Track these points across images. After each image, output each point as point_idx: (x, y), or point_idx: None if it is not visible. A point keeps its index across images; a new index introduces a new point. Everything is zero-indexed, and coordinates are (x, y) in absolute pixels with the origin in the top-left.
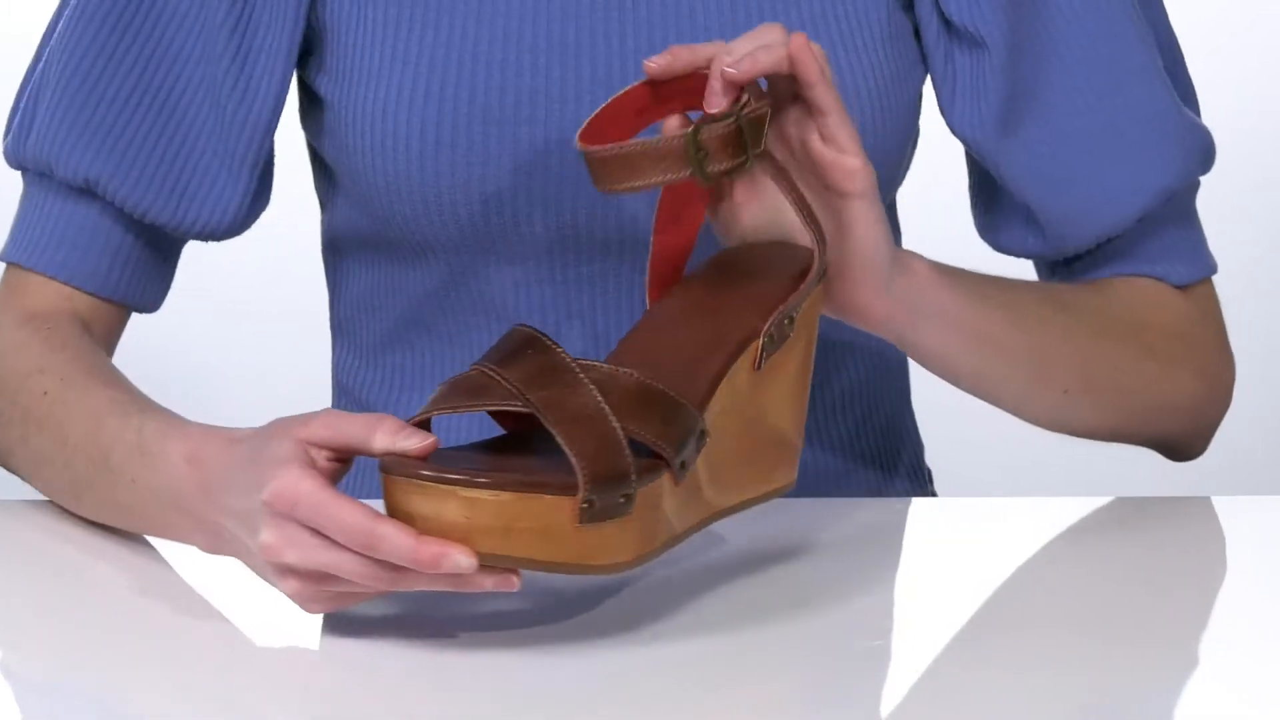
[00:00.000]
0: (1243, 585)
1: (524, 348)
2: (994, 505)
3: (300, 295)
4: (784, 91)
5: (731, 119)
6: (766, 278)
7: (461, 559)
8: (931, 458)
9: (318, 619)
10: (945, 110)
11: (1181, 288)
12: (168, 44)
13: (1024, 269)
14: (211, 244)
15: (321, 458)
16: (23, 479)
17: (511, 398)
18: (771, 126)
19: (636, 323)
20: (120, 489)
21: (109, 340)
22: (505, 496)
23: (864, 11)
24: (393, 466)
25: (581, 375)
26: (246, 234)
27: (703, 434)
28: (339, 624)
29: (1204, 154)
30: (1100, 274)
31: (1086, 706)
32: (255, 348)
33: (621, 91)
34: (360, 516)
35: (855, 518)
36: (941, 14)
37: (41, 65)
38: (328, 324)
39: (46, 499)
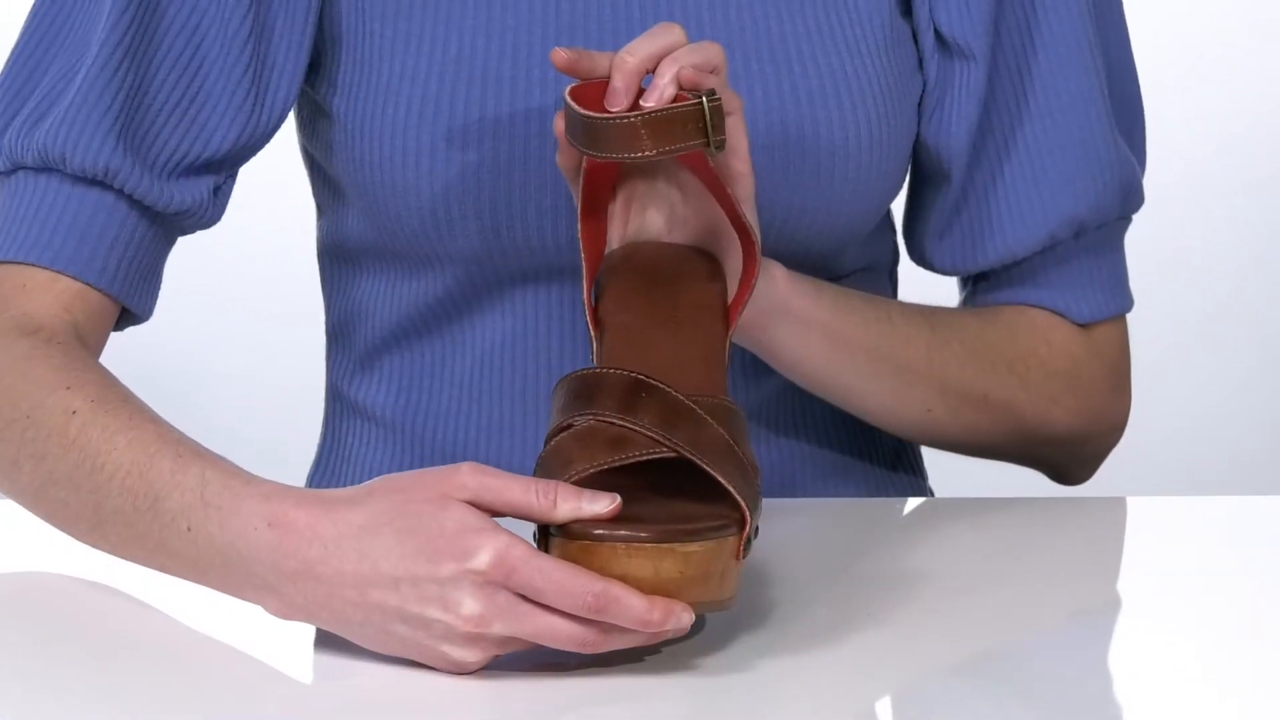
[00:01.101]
0: (1243, 585)
1: (637, 391)
2: (993, 505)
3: (295, 297)
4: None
5: (714, 96)
6: (695, 279)
7: (685, 615)
8: (931, 458)
9: (309, 631)
10: (924, 117)
11: (1084, 324)
12: (176, 53)
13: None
14: (211, 243)
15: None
16: (14, 499)
17: (655, 445)
18: None
19: (600, 341)
20: (170, 534)
21: (97, 352)
22: (709, 545)
23: (867, 18)
24: (587, 533)
25: (702, 412)
26: (242, 236)
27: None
28: (334, 639)
29: (1124, 191)
30: (1001, 296)
31: (1086, 705)
32: (249, 349)
33: (571, 87)
34: (590, 581)
35: (854, 517)
36: (935, 25)
37: (50, 72)
38: (321, 326)
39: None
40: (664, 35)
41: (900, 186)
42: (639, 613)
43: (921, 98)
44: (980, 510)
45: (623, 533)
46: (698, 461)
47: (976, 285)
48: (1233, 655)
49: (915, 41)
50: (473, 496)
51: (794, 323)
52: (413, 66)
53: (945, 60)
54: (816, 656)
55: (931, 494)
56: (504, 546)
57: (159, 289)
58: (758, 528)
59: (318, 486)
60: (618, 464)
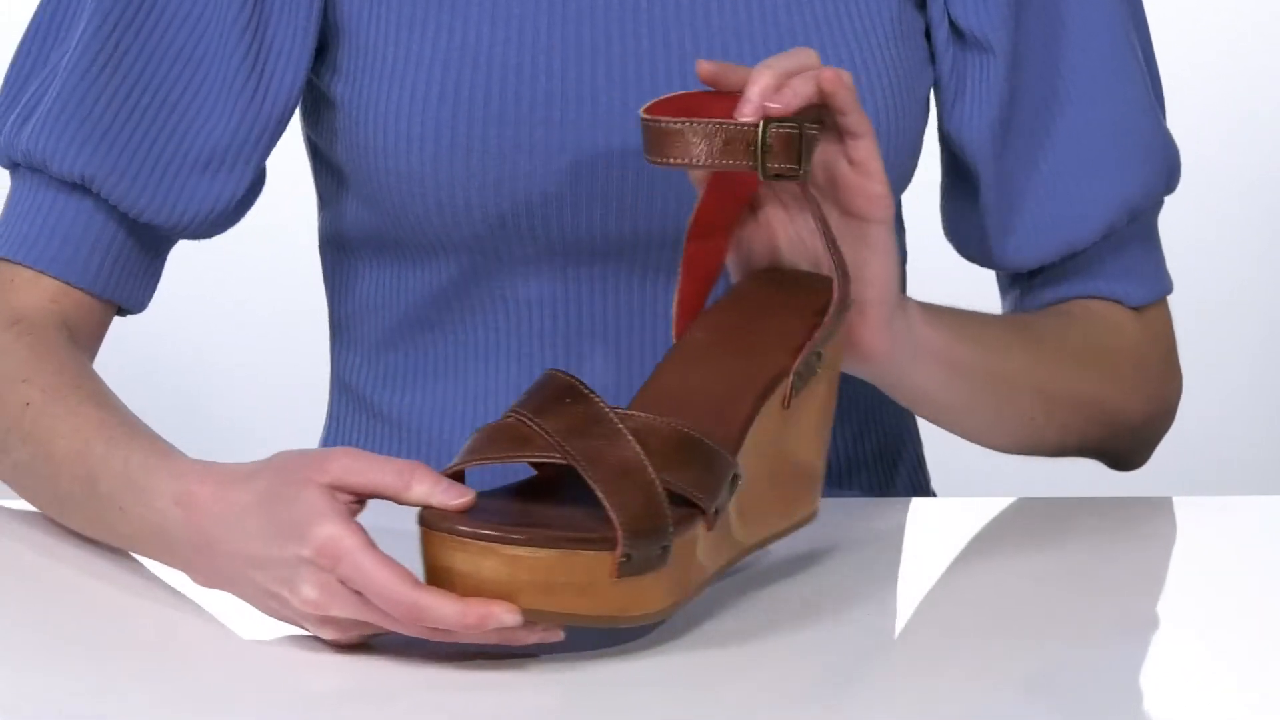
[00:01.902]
0: (1244, 585)
1: (561, 396)
2: (994, 505)
3: (295, 292)
4: (809, 118)
5: (794, 125)
6: (791, 312)
7: (506, 616)
8: (931, 458)
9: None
10: (944, 112)
11: (1137, 309)
12: (169, 43)
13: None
14: (208, 241)
15: (343, 499)
16: (8, 485)
17: (551, 449)
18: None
19: (664, 356)
20: (110, 515)
21: (92, 343)
22: (545, 554)
23: (875, 10)
24: (432, 520)
25: (620, 426)
26: (243, 232)
27: (736, 478)
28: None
29: (1170, 171)
30: (1060, 291)
31: (1087, 705)
32: (248, 345)
33: (681, 92)
34: (403, 589)
35: (856, 518)
36: (951, 17)
37: (47, 67)
38: (323, 321)
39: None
40: (801, 56)
41: (908, 180)
42: (452, 619)
43: (939, 92)
44: (982, 511)
45: (451, 525)
46: (581, 471)
47: (1031, 281)
48: (1233, 655)
49: (928, 34)
50: (334, 479)
51: (926, 359)
52: (417, 52)
53: (961, 53)
54: (817, 656)
55: (933, 494)
56: (334, 535)
57: (156, 283)
58: (664, 549)
59: None
60: (501, 460)
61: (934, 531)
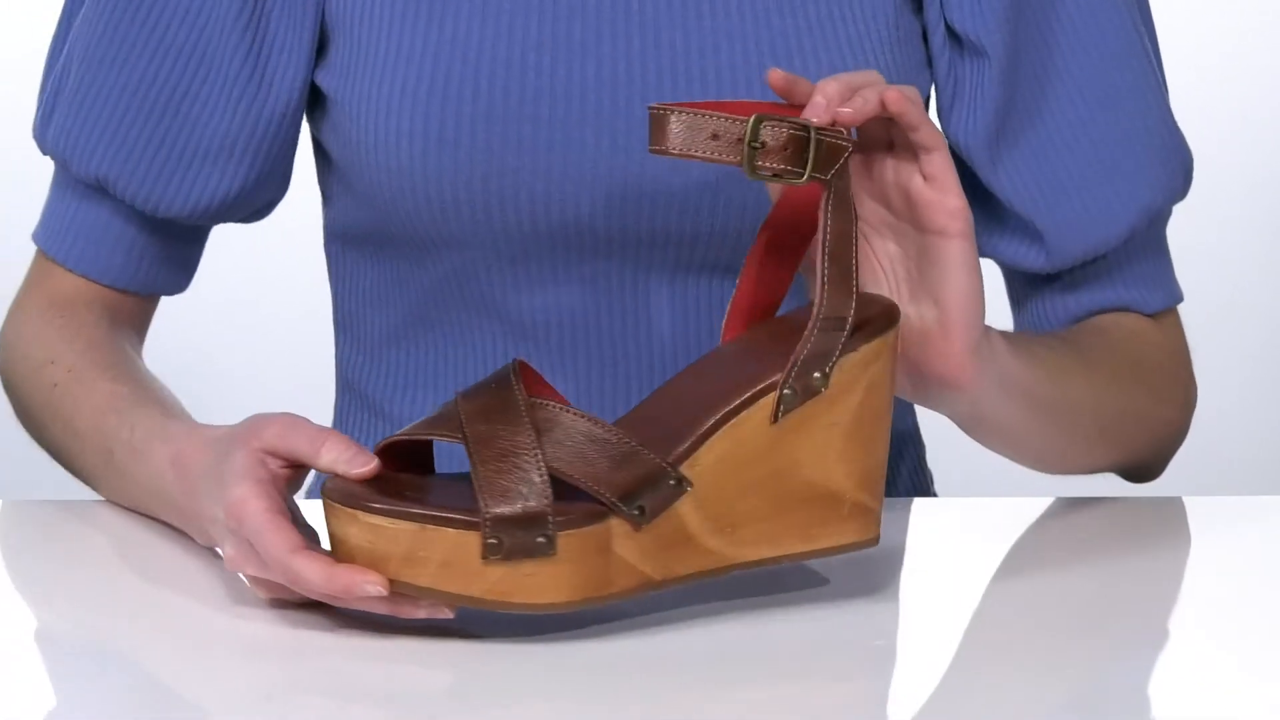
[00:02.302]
0: (1244, 585)
1: (494, 382)
2: (996, 506)
3: (301, 293)
4: (879, 138)
5: (801, 127)
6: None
7: (370, 587)
8: (933, 458)
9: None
10: (943, 115)
11: (1153, 316)
12: (172, 38)
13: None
14: (217, 236)
15: (275, 464)
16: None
17: (456, 430)
18: (869, 175)
19: (687, 366)
20: (126, 484)
21: (138, 323)
22: (404, 525)
23: (871, 14)
24: (327, 488)
25: (524, 414)
26: (245, 233)
27: (679, 482)
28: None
29: (1185, 173)
30: (1081, 298)
31: (1087, 705)
32: (255, 342)
33: (729, 100)
34: (280, 550)
35: None
36: (947, 21)
37: (63, 57)
38: (327, 318)
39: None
40: (867, 74)
41: None
42: (318, 584)
43: (937, 97)
44: (982, 511)
45: (328, 491)
46: (468, 452)
47: (1049, 287)
48: (1233, 655)
49: (925, 39)
50: (265, 444)
51: (1011, 390)
52: (408, 46)
53: (958, 57)
54: (818, 656)
55: (934, 494)
56: (241, 496)
57: (194, 266)
58: (546, 538)
59: None
60: (414, 436)
61: (935, 532)
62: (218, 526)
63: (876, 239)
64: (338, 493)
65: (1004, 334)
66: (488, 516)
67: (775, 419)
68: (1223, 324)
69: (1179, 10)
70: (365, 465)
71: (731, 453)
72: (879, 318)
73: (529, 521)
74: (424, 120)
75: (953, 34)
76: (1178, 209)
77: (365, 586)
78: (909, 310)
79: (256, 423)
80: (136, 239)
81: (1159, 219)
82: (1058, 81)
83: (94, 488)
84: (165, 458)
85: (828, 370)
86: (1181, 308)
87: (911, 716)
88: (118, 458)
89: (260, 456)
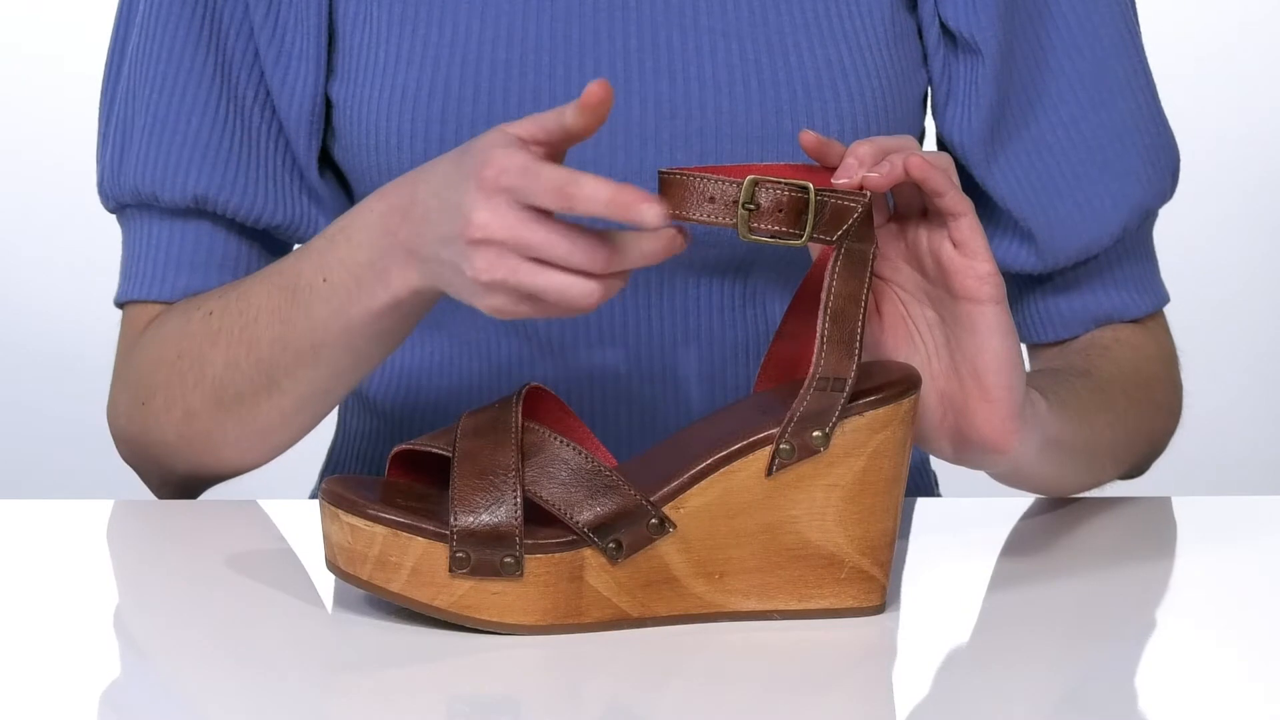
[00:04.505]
0: (1243, 585)
1: (499, 402)
2: (997, 505)
3: None
4: (911, 205)
5: (801, 189)
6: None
7: (649, 209)
8: (936, 459)
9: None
10: (938, 113)
11: (1143, 322)
12: (231, 50)
13: None
14: None
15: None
16: (171, 447)
17: (453, 443)
18: (904, 241)
19: (708, 414)
20: (314, 300)
21: None
22: (377, 530)
23: (867, 12)
24: (321, 488)
25: (513, 436)
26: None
27: (662, 522)
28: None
29: (1174, 175)
30: (1072, 301)
31: (1087, 705)
32: None
33: (747, 164)
34: (558, 172)
35: None
36: (941, 19)
37: (119, 104)
38: None
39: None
40: (901, 139)
41: None
42: (603, 194)
43: (932, 94)
44: (984, 511)
45: (324, 488)
46: (452, 468)
47: (1041, 289)
48: (1233, 655)
49: (920, 36)
50: (524, 129)
51: (1051, 447)
52: (407, 50)
53: (952, 55)
54: (819, 655)
55: (938, 494)
56: (503, 152)
57: None
58: (514, 559)
59: None
60: (416, 447)
61: (939, 531)
62: (454, 246)
63: (915, 305)
64: (326, 493)
65: (1037, 386)
66: (455, 529)
67: (769, 472)
68: (1220, 322)
69: (1179, 10)
70: (603, 92)
71: (721, 500)
72: (896, 384)
73: (496, 540)
74: (424, 123)
75: (947, 32)
76: (1173, 209)
77: (644, 207)
78: (950, 377)
79: (487, 132)
80: (236, 256)
81: (1148, 219)
82: (1051, 80)
83: (262, 387)
84: (369, 206)
85: (828, 430)
86: (1174, 308)
87: (912, 716)
88: (305, 279)
89: (513, 135)
